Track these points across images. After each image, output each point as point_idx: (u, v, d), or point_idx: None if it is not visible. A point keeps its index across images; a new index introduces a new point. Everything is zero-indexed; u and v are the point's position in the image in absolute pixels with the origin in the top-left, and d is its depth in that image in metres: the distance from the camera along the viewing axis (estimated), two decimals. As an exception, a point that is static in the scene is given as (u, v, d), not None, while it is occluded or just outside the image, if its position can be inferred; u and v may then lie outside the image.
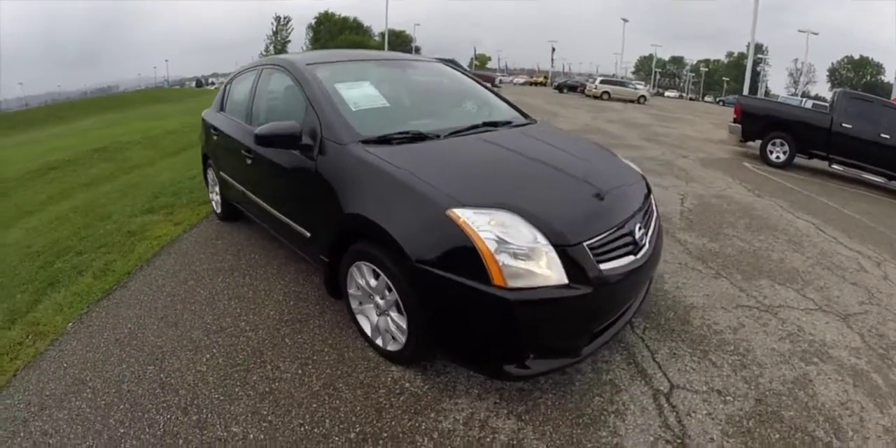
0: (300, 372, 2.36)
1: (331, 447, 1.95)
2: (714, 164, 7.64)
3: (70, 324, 2.97)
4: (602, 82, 29.05)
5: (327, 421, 2.07)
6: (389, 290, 2.22)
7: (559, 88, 36.70)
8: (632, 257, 2.18)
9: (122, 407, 2.19)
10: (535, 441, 1.98)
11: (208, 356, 2.51)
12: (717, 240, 4.12)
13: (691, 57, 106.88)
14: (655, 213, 2.67)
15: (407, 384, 2.27)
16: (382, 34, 65.56)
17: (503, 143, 2.65)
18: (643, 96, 28.11)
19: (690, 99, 57.92)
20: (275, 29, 56.92)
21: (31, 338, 2.90)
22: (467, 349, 2.07)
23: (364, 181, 2.29)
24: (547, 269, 1.88)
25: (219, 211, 4.46)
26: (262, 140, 2.55)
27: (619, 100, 26.41)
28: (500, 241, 1.87)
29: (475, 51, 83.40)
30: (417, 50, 62.43)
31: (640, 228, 2.30)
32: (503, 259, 1.85)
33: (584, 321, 2.06)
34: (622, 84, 29.81)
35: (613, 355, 2.52)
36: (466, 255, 1.88)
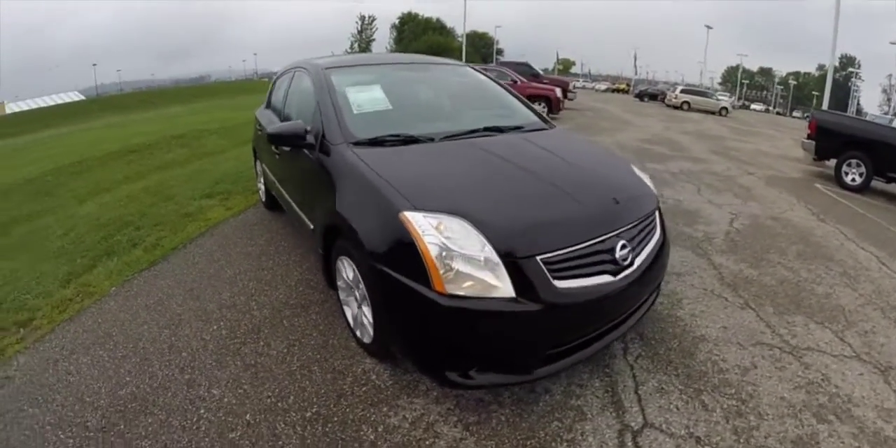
0: (285, 351, 2.49)
1: (286, 420, 2.04)
2: (781, 184, 6.82)
3: (113, 288, 3.32)
4: (683, 92, 27.13)
5: (291, 397, 2.17)
6: (360, 284, 2.20)
7: (639, 96, 34.90)
8: (608, 277, 1.97)
9: (133, 360, 2.49)
10: None
11: (215, 327, 2.73)
12: (759, 266, 3.63)
13: (781, 69, 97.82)
14: (657, 233, 2.37)
15: (374, 376, 2.29)
16: (465, 35, 65.77)
17: (493, 148, 2.51)
18: (725, 108, 25.98)
19: (777, 113, 53.01)
20: (360, 28, 58.45)
21: (80, 296, 3.26)
22: (414, 351, 2.02)
23: (346, 180, 2.30)
24: (492, 280, 1.77)
25: (263, 200, 4.70)
26: (273, 138, 2.67)
27: (699, 111, 24.52)
28: (444, 247, 1.79)
29: (558, 55, 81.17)
30: (500, 53, 61.72)
31: (624, 247, 2.05)
32: (445, 265, 1.77)
33: (534, 340, 1.88)
34: (703, 94, 27.68)
35: (592, 380, 2.28)
36: (412, 258, 1.83)
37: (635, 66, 67.75)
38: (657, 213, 2.47)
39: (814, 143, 7.95)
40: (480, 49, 57.26)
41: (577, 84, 62.27)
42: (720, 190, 6.08)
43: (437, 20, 56.31)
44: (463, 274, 1.77)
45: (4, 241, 5.02)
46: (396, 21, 58.58)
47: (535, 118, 3.24)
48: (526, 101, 3.50)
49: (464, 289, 1.76)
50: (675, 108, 25.51)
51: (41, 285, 3.54)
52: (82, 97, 63.65)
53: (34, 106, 54.46)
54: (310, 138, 2.63)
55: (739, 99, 64.44)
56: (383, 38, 61.16)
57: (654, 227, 2.39)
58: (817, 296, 3.22)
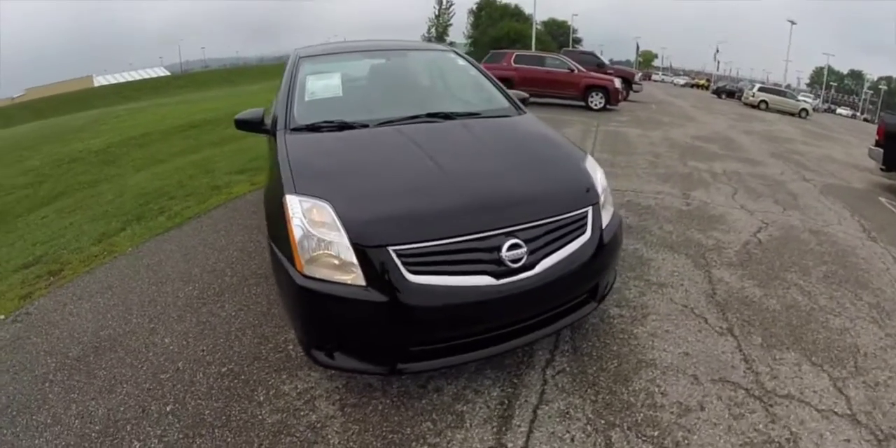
0: (233, 314, 2.60)
1: (205, 372, 2.17)
2: (837, 193, 5.64)
3: (130, 248, 3.58)
4: (760, 90, 23.66)
5: (218, 354, 2.29)
6: None
7: (717, 93, 31.69)
8: (487, 279, 1.71)
9: (119, 308, 2.76)
10: (334, 432, 1.80)
11: (191, 288, 2.91)
12: (767, 286, 2.94)
13: (872, 73, 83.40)
14: (586, 236, 1.95)
15: (290, 346, 2.31)
16: (543, 23, 62.49)
17: (417, 135, 2.32)
18: (805, 110, 22.47)
19: (865, 119, 46.31)
20: (437, 12, 56.39)
21: (104, 254, 3.55)
22: (292, 325, 2.09)
23: (273, 164, 2.27)
24: (342, 265, 1.70)
25: None
26: (237, 123, 2.67)
27: (777, 111, 21.42)
28: (306, 231, 1.75)
29: (638, 47, 75.36)
30: (578, 42, 58.49)
31: (515, 247, 1.75)
32: (305, 247, 1.74)
33: (389, 332, 1.74)
34: (783, 94, 24.04)
35: (493, 388, 1.95)
36: (285, 238, 1.82)
37: (717, 61, 61.75)
38: (589, 214, 2.02)
39: (882, 150, 6.45)
40: (558, 37, 54.10)
41: (656, 77, 58.09)
42: (760, 195, 5.14)
43: (515, 6, 53.22)
44: (319, 257, 1.72)
45: (67, 203, 5.57)
46: (474, 6, 56.75)
47: (505, 105, 2.92)
48: (503, 89, 3.10)
49: (319, 271, 1.71)
50: (753, 106, 22.63)
51: (78, 242, 3.89)
52: (167, 73, 66.86)
53: (121, 80, 56.68)
54: (268, 124, 2.58)
55: (825, 102, 57.03)
56: (460, 22, 59.51)
57: (580, 229, 1.97)
58: (829, 330, 2.51)
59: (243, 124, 2.63)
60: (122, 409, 1.98)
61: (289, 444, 1.75)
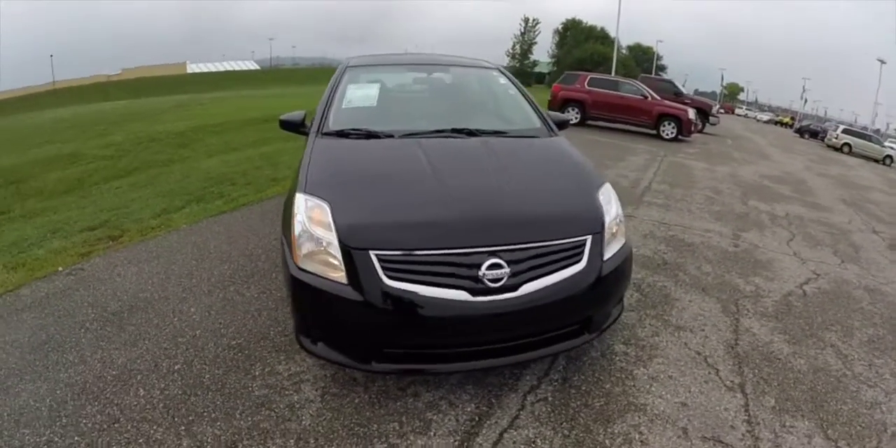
0: (256, 296, 2.76)
1: (216, 342, 2.32)
2: None
3: (184, 225, 3.84)
4: (845, 132, 21.48)
5: (232, 328, 2.44)
6: None
7: (800, 132, 29.09)
8: (464, 295, 1.69)
9: (161, 276, 2.99)
10: (308, 415, 1.86)
11: (226, 267, 3.10)
12: (800, 344, 2.60)
13: None
14: (580, 265, 1.87)
15: (290, 328, 2.38)
16: (629, 47, 60.24)
17: (434, 148, 2.32)
18: (889, 157, 20.15)
19: None
20: (522, 30, 55.22)
21: (161, 226, 3.85)
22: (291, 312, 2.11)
23: (300, 163, 2.35)
24: (331, 264, 1.76)
25: None
26: (281, 123, 2.76)
27: (861, 156, 19.26)
28: (304, 228, 1.84)
29: (723, 78, 70.85)
30: (662, 69, 55.93)
31: (496, 267, 1.71)
32: (301, 242, 1.83)
33: (364, 331, 1.78)
34: (867, 138, 21.61)
35: (469, 403, 1.92)
36: (289, 232, 1.93)
37: (803, 99, 56.80)
38: (587, 243, 1.90)
39: None
40: (643, 63, 52.20)
41: (739, 111, 54.59)
42: (819, 243, 4.62)
43: (601, 29, 51.86)
44: (312, 252, 1.80)
45: (140, 178, 6.05)
46: (560, 26, 55.87)
47: (536, 126, 2.84)
48: (539, 109, 3.00)
49: (312, 266, 1.79)
50: (835, 149, 20.36)
51: (140, 213, 4.23)
52: (257, 67, 69.90)
53: (213, 69, 58.87)
54: (308, 126, 2.67)
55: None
56: (545, 41, 58.66)
57: (575, 258, 1.87)
58: (857, 402, 2.18)
59: (286, 124, 2.72)
60: (138, 361, 2.17)
61: (265, 417, 1.83)
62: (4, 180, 6.71)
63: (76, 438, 1.71)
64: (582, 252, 1.88)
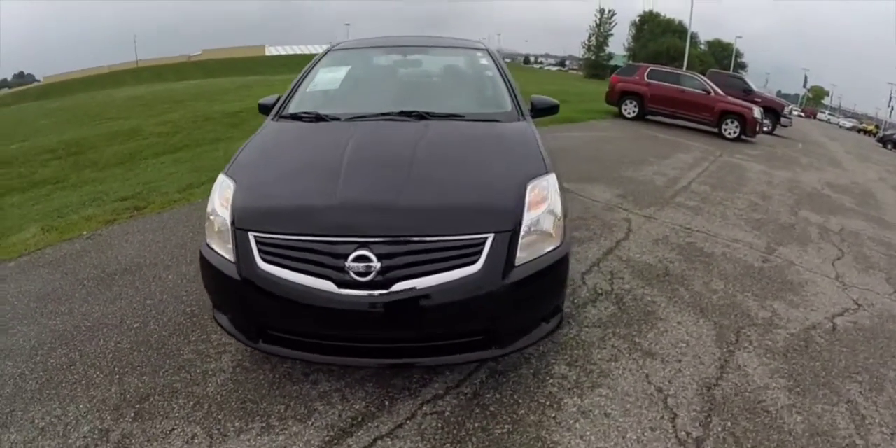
0: None
1: (175, 307, 2.35)
2: None
3: (200, 199, 3.84)
4: None
5: (193, 297, 2.43)
6: None
7: (882, 141, 23.89)
8: (329, 285, 1.48)
9: (162, 244, 3.05)
10: (215, 383, 1.86)
11: None
12: (805, 394, 1.93)
13: None
14: (475, 268, 1.52)
15: None
16: (708, 43, 53.55)
17: (365, 131, 2.10)
18: None
19: None
20: (598, 21, 49.42)
21: (181, 200, 3.91)
22: None
23: None
24: (226, 241, 1.66)
25: None
26: (259, 107, 2.60)
27: None
28: (213, 207, 1.76)
29: (806, 79, 60.68)
30: (742, 67, 49.22)
31: (363, 259, 1.46)
32: (209, 219, 1.76)
33: (242, 308, 1.68)
34: None
35: (360, 401, 1.74)
36: None
37: (890, 107, 47.70)
38: (488, 243, 1.53)
39: None
40: (721, 60, 46.16)
41: (822, 116, 47.19)
42: (872, 267, 3.58)
43: (679, 23, 46.00)
44: (216, 231, 1.71)
45: (185, 154, 6.13)
46: (637, 18, 50.65)
47: (504, 110, 2.41)
48: (514, 93, 2.53)
49: (214, 242, 1.71)
50: None
51: (169, 187, 4.28)
52: None
53: (290, 52, 57.20)
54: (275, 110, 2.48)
55: None
56: (621, 34, 53.49)
57: (468, 258, 1.51)
58: None
59: (263, 108, 2.55)
60: (109, 316, 2.28)
61: (181, 379, 1.86)
62: (67, 151, 6.99)
63: (41, 373, 1.90)
64: (479, 252, 1.51)
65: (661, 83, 10.70)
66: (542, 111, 2.55)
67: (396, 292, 1.46)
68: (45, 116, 12.10)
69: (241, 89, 14.96)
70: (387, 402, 1.70)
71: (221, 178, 1.84)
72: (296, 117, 2.31)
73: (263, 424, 1.62)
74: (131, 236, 3.19)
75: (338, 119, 2.23)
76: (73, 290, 2.53)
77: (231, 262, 1.60)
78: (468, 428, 1.59)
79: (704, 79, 11.01)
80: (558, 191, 1.76)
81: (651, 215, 4.16)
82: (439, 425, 1.59)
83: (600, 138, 8.29)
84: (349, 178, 1.71)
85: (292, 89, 2.54)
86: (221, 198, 1.74)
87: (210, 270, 1.68)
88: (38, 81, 58.23)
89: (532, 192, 1.68)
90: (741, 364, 2.11)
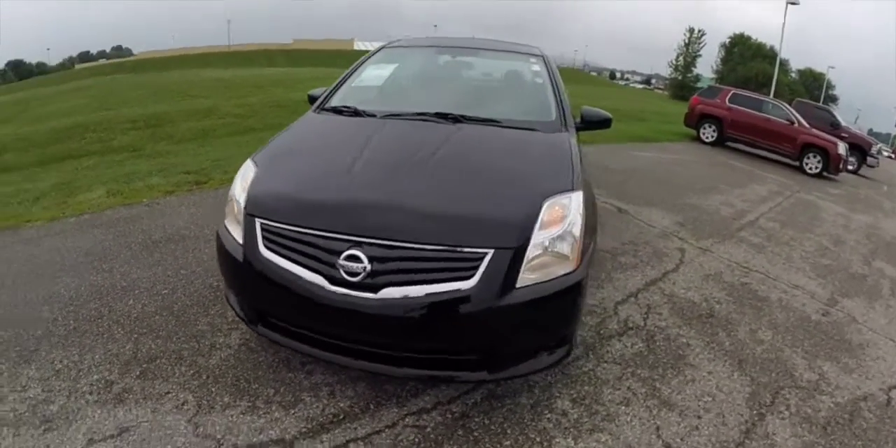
0: None
1: (203, 281, 2.43)
2: None
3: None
4: None
5: (215, 266, 2.22)
6: None
7: None
8: (321, 280, 1.45)
9: (207, 218, 3.17)
10: (218, 357, 1.92)
11: None
12: None
13: None
14: (471, 283, 1.42)
15: None
16: (799, 71, 48.76)
17: (396, 131, 2.08)
18: None
19: None
20: (687, 40, 46.31)
21: (218, 179, 4.07)
22: None
23: None
24: (238, 224, 1.69)
25: None
26: (308, 98, 2.64)
27: None
28: (233, 191, 1.79)
29: None
30: (833, 99, 44.57)
31: (355, 259, 1.41)
32: (228, 202, 1.80)
33: (243, 291, 1.71)
34: None
35: (347, 401, 1.72)
36: None
37: None
38: (486, 259, 1.43)
39: None
40: (812, 90, 42.01)
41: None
42: None
43: (771, 48, 42.39)
44: (232, 212, 1.74)
45: (254, 137, 6.17)
46: (727, 40, 47.28)
47: (546, 119, 2.28)
48: (562, 103, 2.39)
49: (230, 224, 1.73)
50: None
51: (230, 166, 4.41)
52: None
53: (374, 47, 61.69)
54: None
55: None
56: (710, 55, 50.31)
57: (464, 272, 1.42)
58: None
59: (312, 99, 2.60)
60: (144, 280, 2.41)
61: (189, 347, 1.93)
62: (147, 124, 7.37)
63: (71, 321, 2.07)
64: (476, 268, 1.42)
65: (742, 108, 9.91)
66: (592, 124, 2.42)
67: (385, 298, 1.40)
68: (134, 89, 13.03)
69: (316, 80, 15.53)
70: (372, 406, 1.66)
71: (247, 163, 1.87)
72: (336, 111, 2.32)
73: (249, 404, 1.64)
74: (184, 208, 3.38)
75: (374, 116, 2.21)
76: (119, 252, 2.71)
77: (239, 244, 1.63)
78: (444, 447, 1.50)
79: (789, 107, 10.07)
80: (582, 211, 1.61)
81: (708, 248, 3.82)
82: (417, 440, 1.52)
83: (672, 161, 7.80)
84: (359, 175, 1.69)
85: (339, 83, 2.56)
86: (243, 182, 1.77)
87: (222, 250, 1.71)
88: (134, 55, 61.17)
89: (550, 209, 1.55)
90: (770, 431, 1.84)
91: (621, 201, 4.66)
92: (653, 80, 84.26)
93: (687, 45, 48.06)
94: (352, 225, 1.49)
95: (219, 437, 1.50)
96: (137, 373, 1.78)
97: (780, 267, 3.72)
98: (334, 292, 1.43)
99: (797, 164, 9.36)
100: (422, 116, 2.14)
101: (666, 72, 54.34)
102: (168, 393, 1.68)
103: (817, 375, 2.30)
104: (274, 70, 22.10)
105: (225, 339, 1.99)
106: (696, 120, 10.42)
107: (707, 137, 10.27)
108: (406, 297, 1.40)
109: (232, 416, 1.59)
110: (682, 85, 46.02)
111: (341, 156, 1.84)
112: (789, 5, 19.14)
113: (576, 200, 1.62)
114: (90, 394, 1.67)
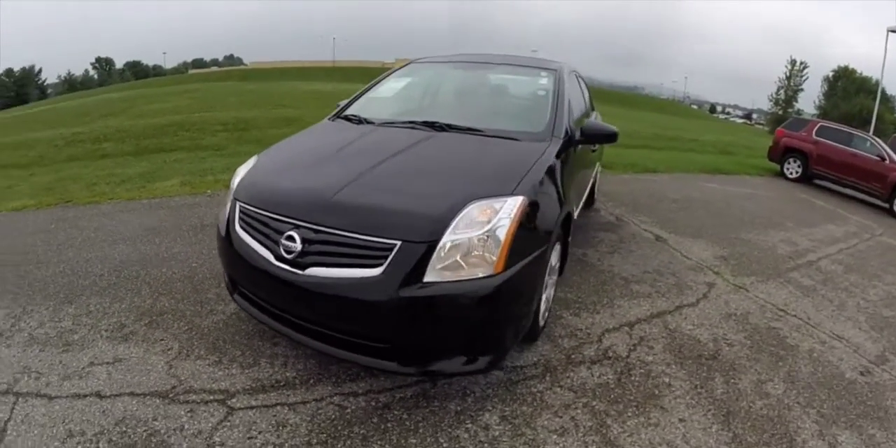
0: None
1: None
2: None
3: None
4: None
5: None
6: None
7: None
8: (268, 254, 1.65)
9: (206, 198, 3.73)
10: (211, 321, 2.19)
11: None
12: None
13: None
14: (377, 270, 1.48)
15: None
16: None
17: (376, 136, 2.22)
18: None
19: None
20: (788, 73, 42.03)
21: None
22: None
23: None
24: (229, 207, 1.92)
25: None
26: (337, 108, 2.78)
27: None
28: (233, 179, 2.04)
29: None
30: None
31: (291, 239, 1.57)
32: (230, 189, 2.01)
33: (223, 258, 1.95)
34: None
35: (297, 371, 1.84)
36: None
37: None
38: (394, 251, 1.48)
39: None
40: None
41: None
42: None
43: (876, 83, 37.01)
44: (227, 197, 1.98)
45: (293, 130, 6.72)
46: (830, 74, 41.92)
47: (534, 130, 2.27)
48: (559, 116, 2.36)
49: (227, 206, 1.94)
50: None
51: None
52: None
53: None
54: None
55: None
56: (813, 89, 44.87)
57: (372, 261, 1.49)
58: None
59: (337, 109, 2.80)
60: (181, 254, 2.81)
61: (192, 310, 2.26)
62: (236, 127, 7.92)
63: (113, 278, 2.52)
64: (384, 258, 1.47)
65: (830, 143, 8.71)
66: (592, 137, 2.43)
67: (307, 276, 1.54)
68: (235, 95, 13.83)
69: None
70: (312, 381, 1.79)
71: (254, 157, 2.14)
72: (347, 118, 2.53)
73: (217, 359, 1.89)
74: (212, 203, 3.83)
75: (372, 123, 2.39)
76: (172, 230, 3.19)
77: (224, 223, 1.89)
78: (352, 432, 1.54)
79: (881, 142, 8.62)
80: (514, 216, 1.57)
81: (744, 286, 3.39)
82: (333, 416, 1.60)
83: (742, 195, 7.01)
84: (319, 170, 1.88)
85: (359, 94, 2.76)
86: (242, 172, 2.03)
87: (217, 228, 1.97)
88: (245, 65, 61.94)
89: (475, 210, 1.56)
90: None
91: (663, 229, 4.33)
92: (754, 115, 77.84)
93: (788, 78, 43.46)
94: (293, 210, 1.65)
95: (182, 378, 1.78)
96: (146, 321, 2.14)
97: (827, 314, 3.19)
98: (277, 267, 1.60)
99: (887, 205, 8.00)
100: (411, 124, 2.28)
101: (767, 106, 49.54)
102: (162, 340, 2.01)
103: (827, 445, 1.88)
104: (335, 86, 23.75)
105: (223, 307, 2.27)
106: (780, 154, 9.32)
107: (791, 173, 9.13)
108: (325, 278, 1.52)
109: (200, 365, 1.84)
110: (782, 120, 41.51)
111: (318, 155, 2.06)
112: (891, 33, 16.61)
113: (511, 205, 1.59)
114: (105, 330, 2.06)
